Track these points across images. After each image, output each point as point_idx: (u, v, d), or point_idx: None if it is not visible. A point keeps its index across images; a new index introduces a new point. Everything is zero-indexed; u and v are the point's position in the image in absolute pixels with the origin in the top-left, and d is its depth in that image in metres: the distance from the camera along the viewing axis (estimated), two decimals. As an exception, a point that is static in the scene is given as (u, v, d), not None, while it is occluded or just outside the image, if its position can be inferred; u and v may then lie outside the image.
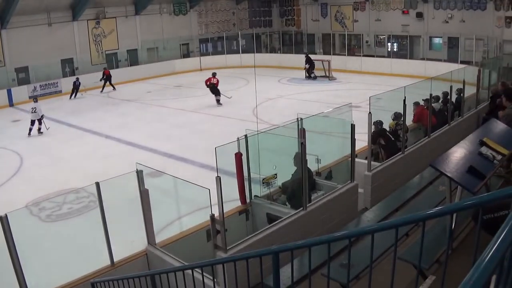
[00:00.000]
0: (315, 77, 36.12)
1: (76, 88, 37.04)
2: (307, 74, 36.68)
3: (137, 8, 43.94)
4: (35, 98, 28.94)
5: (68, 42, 40.43)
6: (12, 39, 37.23)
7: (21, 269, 7.27)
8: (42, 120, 26.36)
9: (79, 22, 40.87)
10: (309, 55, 37.50)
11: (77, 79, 37.23)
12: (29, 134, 25.94)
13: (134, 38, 44.20)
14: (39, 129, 26.34)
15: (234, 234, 8.43)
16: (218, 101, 29.68)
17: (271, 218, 9.37)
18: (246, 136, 9.56)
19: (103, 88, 38.30)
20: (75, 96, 36.79)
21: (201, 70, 43.73)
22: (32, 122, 26.24)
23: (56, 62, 39.31)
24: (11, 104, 34.40)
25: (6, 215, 6.94)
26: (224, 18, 49.61)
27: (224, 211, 7.61)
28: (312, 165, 10.57)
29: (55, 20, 39.31)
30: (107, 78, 38.51)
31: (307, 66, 36.49)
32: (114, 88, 38.54)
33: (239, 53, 45.43)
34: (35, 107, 26.14)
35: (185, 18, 46.84)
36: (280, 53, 46.39)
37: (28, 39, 37.62)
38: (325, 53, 42.66)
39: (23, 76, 37.95)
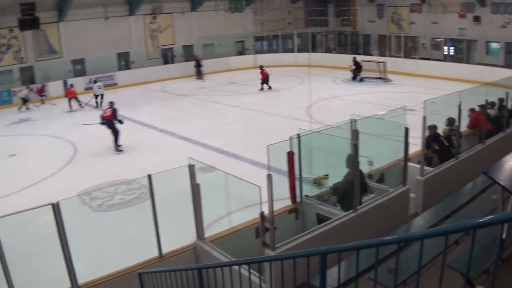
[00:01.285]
0: (361, 80, 35.87)
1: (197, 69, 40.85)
2: (353, 76, 36.46)
3: (193, 5, 44.28)
4: (96, 80, 33.87)
5: (125, 36, 41.05)
6: (69, 32, 37.98)
7: (70, 256, 7.43)
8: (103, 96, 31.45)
9: (136, 17, 41.48)
10: (356, 58, 37.18)
11: (200, 61, 40.76)
12: (97, 106, 31.12)
13: (190, 34, 44.55)
14: (101, 102, 31.02)
15: (283, 232, 8.42)
16: (270, 87, 33.92)
17: (321, 219, 9.34)
18: (299, 135, 9.53)
19: (200, 75, 41.00)
20: (200, 78, 40.49)
21: (255, 68, 43.88)
22: (96, 97, 31.66)
23: (112, 56, 39.99)
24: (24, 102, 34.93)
25: (58, 203, 7.12)
26: (280, 17, 49.51)
27: (274, 209, 7.62)
28: (364, 167, 10.51)
29: (112, 14, 39.94)
30: (198, 66, 40.60)
31: (353, 67, 36.24)
32: (201, 77, 41.01)
33: (294, 52, 45.30)
34: (100, 84, 32.38)
35: (241, 15, 46.92)
36: (335, 53, 46.04)
37: (85, 32, 38.38)
38: (380, 54, 42.26)
39: (79, 68, 38.75)
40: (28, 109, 32.81)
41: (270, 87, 34.28)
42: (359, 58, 38.03)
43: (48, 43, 37.77)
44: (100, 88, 31.87)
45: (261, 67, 34.66)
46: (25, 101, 32.86)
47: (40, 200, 7.82)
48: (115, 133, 21.62)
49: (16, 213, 6.96)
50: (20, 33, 35.18)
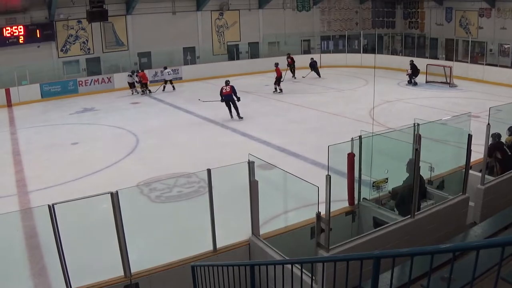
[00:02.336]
0: (415, 84, 35.12)
1: (312, 67, 39.47)
2: (408, 79, 35.78)
3: (261, 2, 44.50)
4: (166, 67, 37.20)
5: (191, 31, 41.73)
6: (137, 25, 38.93)
7: (125, 245, 7.57)
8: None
9: (203, 12, 42.09)
10: (414, 62, 36.13)
11: (312, 59, 40.08)
12: (163, 90, 35.97)
13: (256, 31, 44.86)
14: (173, 86, 36.27)
15: (338, 234, 8.36)
16: (277, 89, 34.07)
17: (377, 223, 9.25)
18: (360, 137, 9.45)
19: (294, 74, 39.43)
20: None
21: (320, 67, 43.70)
22: (166, 82, 36.06)
23: (178, 50, 40.60)
24: (132, 87, 35.70)
25: (117, 192, 7.25)
26: (347, 17, 49.34)
27: (331, 211, 7.57)
28: (425, 173, 10.36)
29: (179, 9, 40.62)
30: (291, 65, 39.36)
31: (410, 71, 35.48)
32: (293, 75, 39.42)
33: (360, 52, 44.94)
34: (169, 70, 36.43)
35: (308, 14, 46.97)
36: (402, 55, 45.25)
37: (152, 26, 39.35)
38: (447, 58, 41.39)
39: (145, 61, 39.66)
40: (137, 93, 35.07)
41: (277, 89, 33.87)
42: (425, 61, 37.44)
43: (115, 35, 38.67)
44: (170, 74, 36.30)
45: (276, 64, 34.04)
46: (132, 85, 35.36)
47: (99, 188, 7.97)
48: (235, 106, 25.85)
49: (75, 200, 7.12)
50: (88, 24, 36.04)
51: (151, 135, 23.11)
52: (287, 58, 39.30)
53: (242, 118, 25.85)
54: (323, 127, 23.31)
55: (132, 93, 34.73)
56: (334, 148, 8.20)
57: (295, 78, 38.78)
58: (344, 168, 9.48)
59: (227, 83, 26.39)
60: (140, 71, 35.49)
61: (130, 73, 35.36)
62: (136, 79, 35.03)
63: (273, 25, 45.22)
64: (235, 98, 25.68)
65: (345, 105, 28.65)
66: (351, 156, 9.38)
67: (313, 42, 48.10)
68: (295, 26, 46.13)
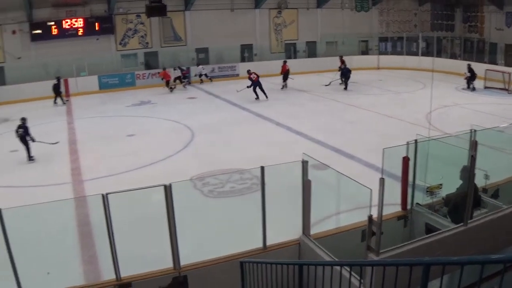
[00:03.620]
0: (473, 88, 34.26)
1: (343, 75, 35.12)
2: (467, 84, 34.96)
3: (319, 1, 44.39)
4: (199, 63, 39.31)
5: (249, 28, 41.96)
6: (195, 21, 39.38)
7: (176, 236, 7.70)
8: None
9: (261, 10, 42.24)
10: (471, 66, 35.12)
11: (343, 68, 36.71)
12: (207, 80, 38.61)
13: (314, 31, 44.79)
14: (209, 78, 38.60)
15: (389, 238, 8.31)
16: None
17: (429, 229, 9.15)
18: (416, 141, 9.37)
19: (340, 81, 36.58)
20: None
21: (378, 69, 43.35)
22: (200, 75, 38.19)
23: (235, 47, 40.89)
24: (189, 82, 36.16)
25: (170, 185, 7.37)
26: (406, 18, 48.76)
27: (383, 214, 7.54)
28: (479, 181, 10.21)
29: (238, 6, 40.92)
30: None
31: (468, 75, 34.65)
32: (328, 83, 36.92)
33: (418, 55, 44.42)
34: (202, 66, 38.69)
35: (366, 15, 46.61)
36: (461, 59, 44.53)
37: (210, 22, 39.79)
38: (506, 64, 40.38)
39: (202, 56, 40.08)
40: (171, 88, 35.42)
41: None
42: (484, 67, 36.69)
43: (173, 30, 39.18)
44: (204, 69, 38.45)
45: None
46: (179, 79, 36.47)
47: (152, 180, 8.08)
48: (262, 89, 30.67)
49: (129, 190, 7.24)
50: (146, 19, 36.55)
51: (207, 130, 23.29)
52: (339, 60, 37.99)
53: (268, 98, 30.68)
54: (379, 129, 23.09)
55: (171, 88, 35.35)
56: (389, 151, 8.16)
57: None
58: (398, 172, 9.42)
59: (250, 72, 31.11)
60: (162, 70, 35.81)
61: (177, 68, 36.22)
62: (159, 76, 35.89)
63: (331, 24, 45.04)
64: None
65: (401, 108, 28.32)
66: (406, 160, 9.31)
67: (371, 43, 47.76)
68: (353, 26, 45.79)
